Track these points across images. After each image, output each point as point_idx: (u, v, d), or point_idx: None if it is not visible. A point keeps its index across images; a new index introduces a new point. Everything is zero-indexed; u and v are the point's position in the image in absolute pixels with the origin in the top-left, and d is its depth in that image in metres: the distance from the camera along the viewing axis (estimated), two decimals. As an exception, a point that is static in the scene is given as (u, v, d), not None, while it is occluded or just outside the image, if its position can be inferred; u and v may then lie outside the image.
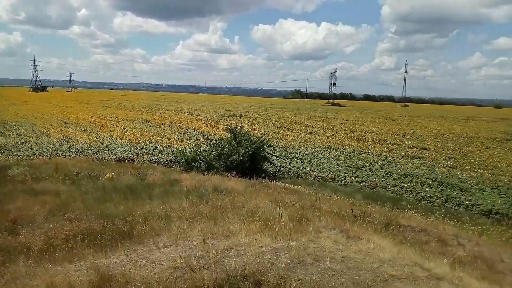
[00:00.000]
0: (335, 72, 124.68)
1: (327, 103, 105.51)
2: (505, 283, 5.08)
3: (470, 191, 17.46)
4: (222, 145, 19.35)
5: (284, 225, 6.44)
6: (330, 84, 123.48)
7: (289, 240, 5.56)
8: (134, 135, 31.69)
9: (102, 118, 43.72)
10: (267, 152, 20.09)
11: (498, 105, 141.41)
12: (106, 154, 23.46)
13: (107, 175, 14.92)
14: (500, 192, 17.32)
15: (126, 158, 22.67)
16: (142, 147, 26.06)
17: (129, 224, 7.13)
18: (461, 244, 6.77)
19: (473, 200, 15.86)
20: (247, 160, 18.11)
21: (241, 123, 24.24)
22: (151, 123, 40.68)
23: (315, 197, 10.76)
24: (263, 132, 21.50)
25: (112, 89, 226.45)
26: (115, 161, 21.72)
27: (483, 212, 14.83)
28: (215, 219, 7.15)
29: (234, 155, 18.19)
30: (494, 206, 15.09)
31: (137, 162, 21.65)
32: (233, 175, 16.33)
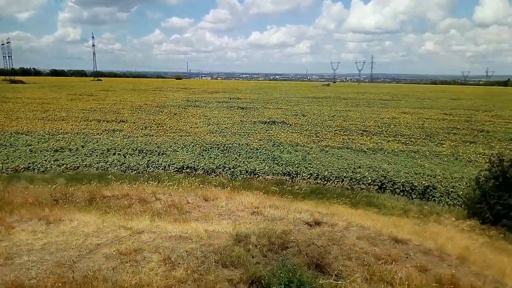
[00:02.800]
0: (8, 42, 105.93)
1: (4, 80, 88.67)
2: (189, 219, 6.44)
3: (166, 153, 20.01)
4: None
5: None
6: (4, 57, 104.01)
7: (-32, 250, 4.54)
8: None
9: None
10: None
11: (178, 76, 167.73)
12: None
13: None
14: (188, 150, 20.93)
15: None
16: None
17: None
18: (158, 199, 7.85)
19: (168, 160, 18.31)
20: None
21: None
22: None
23: (2, 192, 9.07)
24: None
25: None
26: None
27: (177, 169, 17.46)
28: None
29: None
30: (185, 162, 18.07)
31: None
32: None
